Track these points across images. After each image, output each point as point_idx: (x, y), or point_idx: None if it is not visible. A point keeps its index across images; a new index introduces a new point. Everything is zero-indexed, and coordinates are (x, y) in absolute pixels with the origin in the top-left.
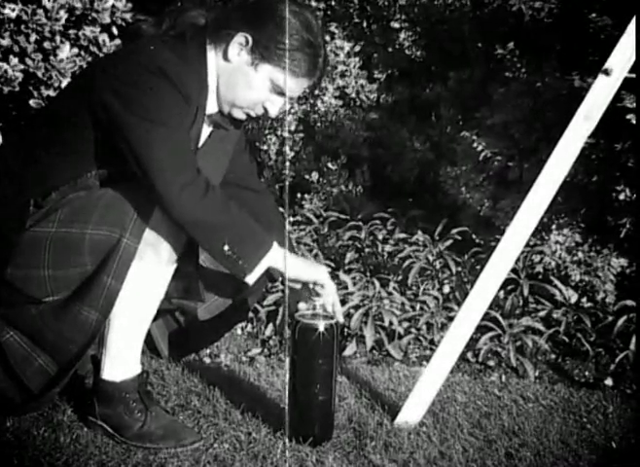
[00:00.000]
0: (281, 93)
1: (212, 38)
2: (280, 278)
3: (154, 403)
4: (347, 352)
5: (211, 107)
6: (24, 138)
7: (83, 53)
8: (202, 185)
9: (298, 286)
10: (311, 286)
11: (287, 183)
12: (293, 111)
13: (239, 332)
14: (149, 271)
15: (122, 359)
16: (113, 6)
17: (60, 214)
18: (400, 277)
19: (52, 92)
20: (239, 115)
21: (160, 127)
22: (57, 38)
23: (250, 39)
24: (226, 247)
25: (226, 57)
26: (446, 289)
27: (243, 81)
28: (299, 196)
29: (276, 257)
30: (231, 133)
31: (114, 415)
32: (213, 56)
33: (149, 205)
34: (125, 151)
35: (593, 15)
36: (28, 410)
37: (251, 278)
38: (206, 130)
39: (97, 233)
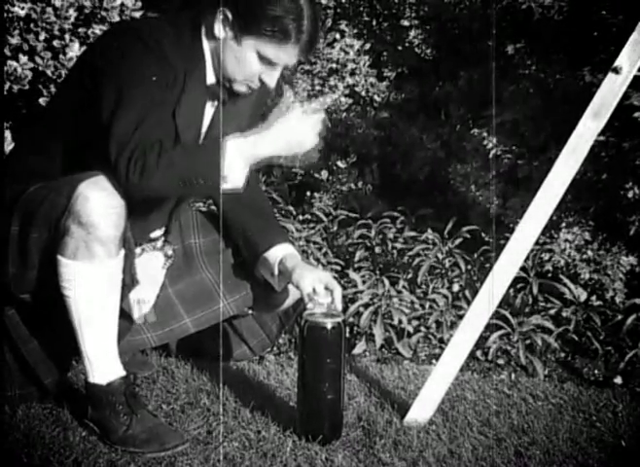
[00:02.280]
0: (272, 64)
1: (203, 18)
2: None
3: (140, 406)
4: (357, 351)
5: (209, 78)
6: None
7: None
8: (141, 159)
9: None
10: (318, 289)
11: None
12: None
13: None
14: (95, 272)
15: (100, 362)
16: (122, 4)
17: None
18: (409, 276)
19: None
20: (241, 88)
21: (127, 91)
22: (67, 36)
23: (229, 14)
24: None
25: (214, 36)
26: (456, 287)
27: (232, 56)
28: (308, 194)
29: (239, 142)
30: (238, 112)
31: (102, 418)
32: (204, 36)
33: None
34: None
35: (603, 12)
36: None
37: (231, 180)
38: (209, 109)
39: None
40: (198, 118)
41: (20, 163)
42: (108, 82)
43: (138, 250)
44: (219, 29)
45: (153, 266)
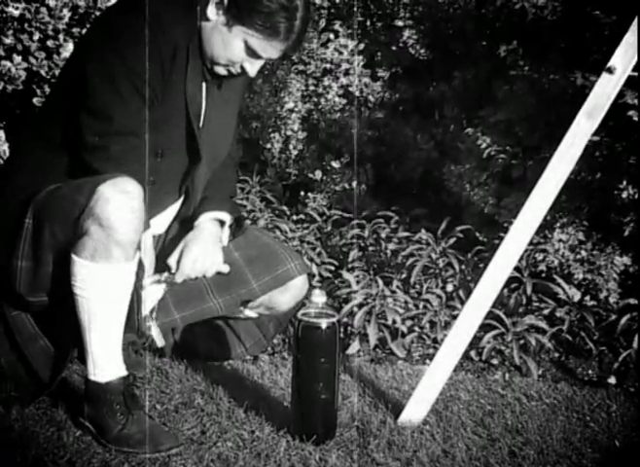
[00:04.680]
0: (256, 55)
1: None
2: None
3: (137, 406)
4: (350, 351)
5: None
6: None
7: None
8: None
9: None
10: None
11: None
12: (297, 109)
13: None
14: (111, 275)
15: (103, 361)
16: None
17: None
18: (403, 276)
19: None
20: (221, 71)
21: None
22: (61, 36)
23: None
24: None
25: (206, 16)
26: (450, 287)
27: (220, 40)
28: (302, 194)
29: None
30: (231, 95)
31: (98, 417)
32: (198, 14)
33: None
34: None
35: (597, 12)
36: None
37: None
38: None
39: None
40: (199, 95)
41: (31, 160)
42: (101, 60)
43: (148, 281)
44: (212, 11)
45: (156, 296)
